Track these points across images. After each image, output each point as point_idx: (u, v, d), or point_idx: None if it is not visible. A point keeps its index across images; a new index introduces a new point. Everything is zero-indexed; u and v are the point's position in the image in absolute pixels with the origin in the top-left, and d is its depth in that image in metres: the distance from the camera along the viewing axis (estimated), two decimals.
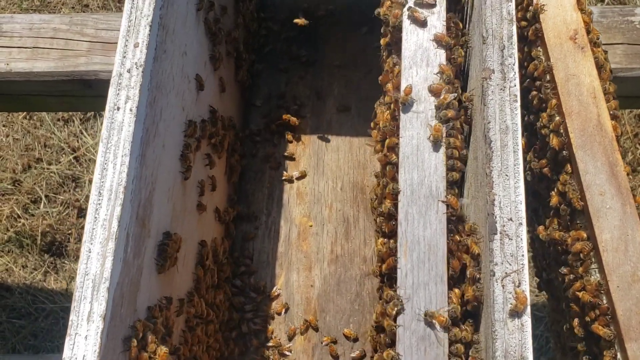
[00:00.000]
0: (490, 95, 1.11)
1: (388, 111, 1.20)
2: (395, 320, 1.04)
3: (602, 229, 1.18)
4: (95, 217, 1.09)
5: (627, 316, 1.14)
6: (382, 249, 1.16)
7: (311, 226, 1.91)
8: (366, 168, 1.97)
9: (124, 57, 1.19)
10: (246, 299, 1.81)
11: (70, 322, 1.03)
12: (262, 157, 1.99)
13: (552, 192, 1.31)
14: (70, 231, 3.32)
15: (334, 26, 2.15)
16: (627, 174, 1.25)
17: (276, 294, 1.82)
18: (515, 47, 1.15)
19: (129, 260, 1.12)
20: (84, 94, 2.19)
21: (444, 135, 1.13)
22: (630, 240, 1.17)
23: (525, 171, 1.45)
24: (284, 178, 1.93)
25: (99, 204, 1.10)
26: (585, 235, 1.23)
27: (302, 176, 1.96)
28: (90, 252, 1.07)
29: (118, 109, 1.16)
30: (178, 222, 1.38)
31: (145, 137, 1.19)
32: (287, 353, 1.73)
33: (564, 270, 1.27)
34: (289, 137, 1.99)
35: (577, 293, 1.22)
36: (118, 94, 1.17)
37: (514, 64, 1.13)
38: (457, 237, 1.11)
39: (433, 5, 1.20)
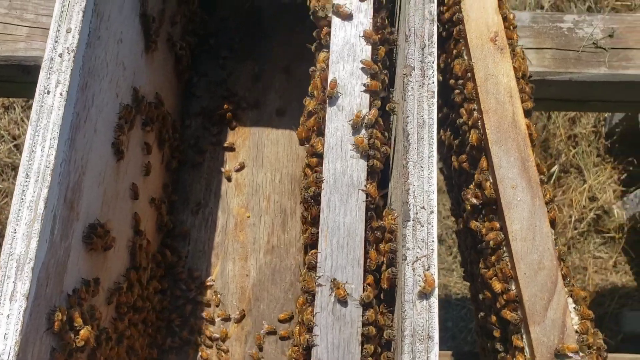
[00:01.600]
0: (409, 91, 1.17)
1: (315, 102, 1.25)
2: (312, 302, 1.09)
3: (513, 220, 1.26)
4: (22, 199, 1.10)
5: (532, 301, 1.22)
6: (306, 235, 1.21)
7: (248, 217, 1.94)
8: (304, 161, 2.02)
9: (56, 41, 1.21)
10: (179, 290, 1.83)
11: None
12: (200, 147, 2.01)
13: (471, 185, 1.39)
14: None
15: (280, 19, 2.19)
16: (541, 174, 1.33)
17: (209, 283, 1.85)
18: (435, 46, 1.21)
19: (56, 241, 1.14)
20: (22, 80, 2.17)
21: (367, 144, 1.18)
22: (537, 230, 1.25)
23: (450, 164, 1.53)
24: (223, 172, 1.95)
25: (26, 185, 1.11)
26: (498, 225, 1.31)
27: (241, 168, 1.99)
28: (15, 232, 1.08)
29: (48, 92, 1.17)
30: (109, 207, 1.39)
31: (75, 121, 1.20)
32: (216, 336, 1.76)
33: (478, 258, 1.34)
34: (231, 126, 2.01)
35: (489, 280, 1.30)
36: (49, 77, 1.18)
37: (433, 62, 1.19)
38: (375, 223, 1.16)
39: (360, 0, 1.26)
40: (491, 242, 1.28)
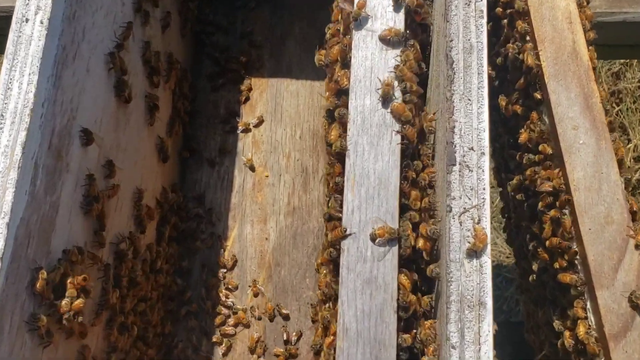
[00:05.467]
0: (453, 10, 0.97)
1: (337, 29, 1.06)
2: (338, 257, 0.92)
3: (575, 166, 1.07)
4: None
5: (598, 261, 1.03)
6: (329, 180, 1.03)
7: (267, 176, 1.77)
8: None
9: None
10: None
11: None
12: (213, 100, 1.84)
13: (522, 129, 1.19)
14: None
15: None
16: (605, 109, 1.13)
17: (227, 246, 1.69)
18: None
19: (39, 194, 0.98)
20: None
21: (409, 113, 0.99)
22: (604, 178, 1.06)
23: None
24: (240, 128, 1.78)
25: (1, 128, 0.94)
26: (557, 173, 1.11)
27: (260, 123, 1.81)
28: None
29: (27, 20, 1.00)
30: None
31: (61, 55, 1.03)
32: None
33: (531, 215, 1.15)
34: (244, 86, 1.83)
35: (546, 240, 1.11)
36: (27, 3, 1.01)
37: None
38: (412, 173, 0.98)
39: None
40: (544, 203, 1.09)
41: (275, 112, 1.84)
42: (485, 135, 0.91)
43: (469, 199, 0.88)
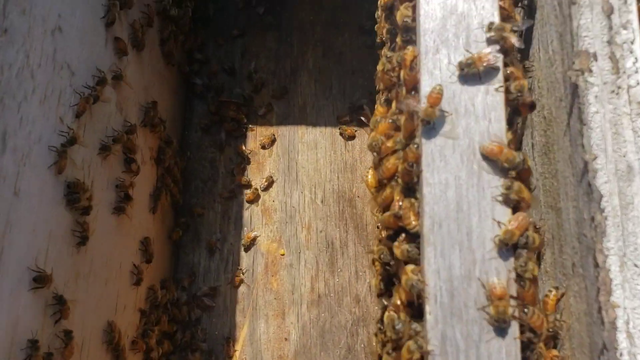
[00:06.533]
0: (592, 104, 0.58)
1: (396, 133, 0.67)
2: None
3: None
4: None
5: None
6: None
7: (283, 255, 1.40)
8: (355, 170, 1.45)
9: None
10: None
11: None
12: (210, 158, 1.46)
13: None
14: None
15: None
16: None
17: (236, 352, 1.32)
18: (635, 8, 0.61)
19: None
20: None
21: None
22: None
23: None
24: (247, 199, 1.40)
25: None
26: None
27: (270, 184, 1.43)
28: None
29: None
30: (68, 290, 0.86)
31: None
32: None
33: None
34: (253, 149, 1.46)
35: None
36: None
37: (632, 42, 0.60)
38: None
39: None
40: None
41: (289, 169, 1.46)
42: None
43: None
